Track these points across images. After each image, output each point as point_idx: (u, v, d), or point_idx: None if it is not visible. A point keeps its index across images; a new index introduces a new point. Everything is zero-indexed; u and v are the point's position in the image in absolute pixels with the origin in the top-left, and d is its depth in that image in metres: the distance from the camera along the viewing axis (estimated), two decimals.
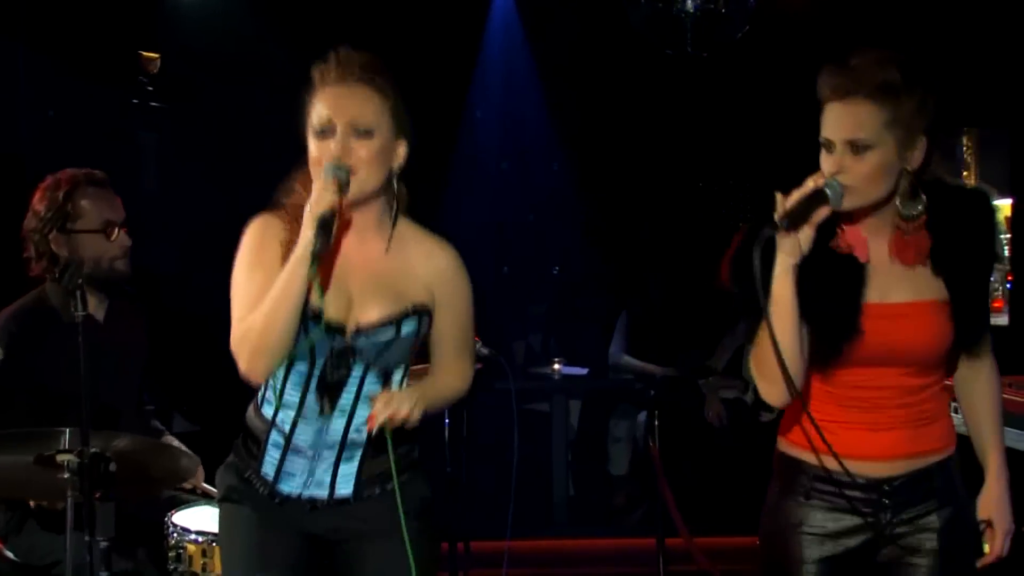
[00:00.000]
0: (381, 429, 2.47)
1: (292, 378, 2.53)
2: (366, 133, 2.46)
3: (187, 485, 3.58)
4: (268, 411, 2.58)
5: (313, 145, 2.48)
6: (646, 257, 6.83)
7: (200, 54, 5.98)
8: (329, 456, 2.55)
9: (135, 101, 5.90)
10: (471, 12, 6.88)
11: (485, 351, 3.95)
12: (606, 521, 6.63)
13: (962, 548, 2.55)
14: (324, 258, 2.38)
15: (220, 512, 2.68)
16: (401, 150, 2.53)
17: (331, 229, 2.35)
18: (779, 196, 2.33)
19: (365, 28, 6.17)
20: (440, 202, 6.47)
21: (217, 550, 3.21)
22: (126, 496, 3.17)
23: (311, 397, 2.53)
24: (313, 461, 2.55)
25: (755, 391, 2.57)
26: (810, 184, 2.35)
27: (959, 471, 2.58)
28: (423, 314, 2.55)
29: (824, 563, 2.53)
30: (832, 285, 2.45)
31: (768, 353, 2.39)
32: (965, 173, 7.30)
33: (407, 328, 2.52)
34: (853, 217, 2.46)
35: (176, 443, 3.66)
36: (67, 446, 2.90)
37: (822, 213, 2.34)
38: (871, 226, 2.47)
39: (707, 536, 5.29)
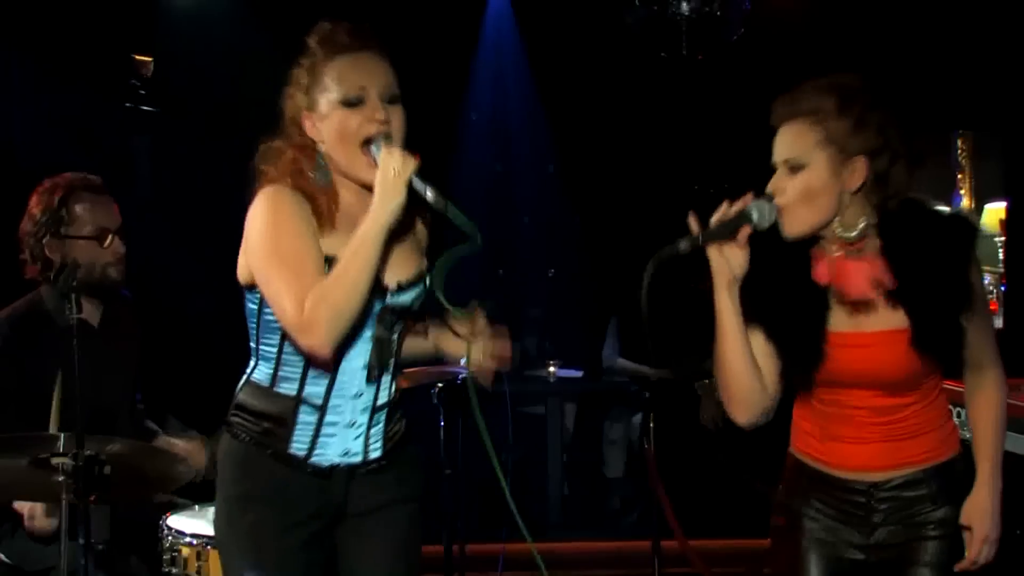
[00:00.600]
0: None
1: None
2: (396, 99, 2.49)
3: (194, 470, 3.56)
4: (289, 387, 2.52)
5: (341, 115, 2.45)
6: (638, 261, 6.81)
7: (194, 56, 5.98)
8: (363, 421, 2.56)
9: (128, 104, 5.87)
10: (466, 15, 6.88)
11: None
12: (601, 523, 6.62)
13: (960, 551, 2.56)
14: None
15: (227, 508, 2.57)
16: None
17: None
18: (692, 217, 2.40)
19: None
20: None
21: (212, 553, 3.21)
22: (121, 499, 3.16)
23: (348, 365, 2.51)
24: (348, 429, 2.55)
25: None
26: (730, 205, 2.42)
27: (961, 476, 2.59)
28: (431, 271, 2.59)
29: (824, 563, 2.58)
30: (799, 314, 2.50)
31: (722, 373, 2.49)
32: (960, 176, 7.31)
33: (429, 283, 2.58)
34: (819, 244, 2.51)
35: (174, 442, 3.65)
36: (62, 449, 2.90)
37: (746, 232, 2.41)
38: (833, 254, 2.50)
39: (702, 539, 5.29)
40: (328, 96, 2.46)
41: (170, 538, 3.29)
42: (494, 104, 7.34)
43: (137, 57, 5.03)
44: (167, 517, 3.38)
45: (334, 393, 2.52)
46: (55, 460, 2.88)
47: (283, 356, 2.52)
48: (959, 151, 7.28)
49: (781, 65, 6.05)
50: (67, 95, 5.56)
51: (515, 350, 6.99)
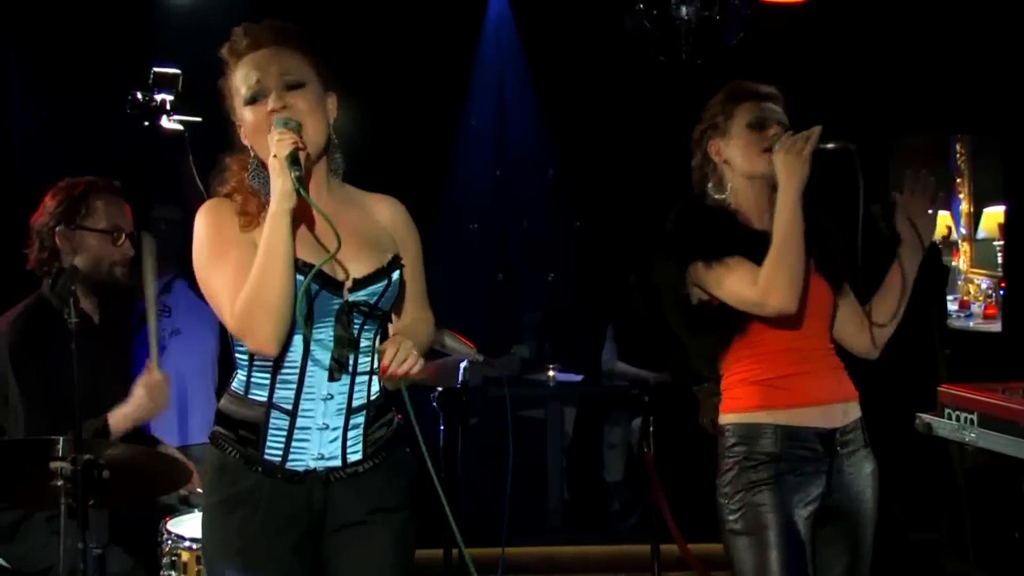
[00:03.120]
0: (387, 385, 2.53)
1: (287, 353, 2.48)
2: (298, 85, 2.50)
3: (184, 492, 3.57)
4: (260, 394, 2.51)
5: (248, 113, 2.50)
6: (635, 264, 6.81)
7: (196, 58, 5.96)
8: (337, 423, 2.53)
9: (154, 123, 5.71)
10: (466, 19, 6.89)
11: (480, 358, 3.95)
12: (601, 527, 6.62)
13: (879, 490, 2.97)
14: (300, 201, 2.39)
15: (209, 514, 2.57)
16: (332, 103, 2.58)
17: (300, 163, 2.38)
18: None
19: (361, 36, 6.17)
20: (435, 209, 6.47)
21: None
22: (119, 503, 3.17)
23: (314, 367, 2.50)
24: (322, 432, 2.52)
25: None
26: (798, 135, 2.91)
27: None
28: (400, 263, 2.58)
29: (796, 516, 2.84)
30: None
31: (784, 264, 2.82)
32: (959, 180, 7.31)
33: (395, 277, 2.56)
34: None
35: (171, 451, 3.66)
36: (60, 453, 2.90)
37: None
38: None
39: (702, 542, 5.29)
40: (239, 100, 2.52)
41: (169, 542, 3.29)
42: (494, 109, 7.34)
43: (161, 71, 4.54)
44: (166, 521, 3.38)
45: (303, 396, 2.51)
46: (53, 464, 2.89)
47: (254, 362, 2.52)
48: (958, 155, 7.28)
49: (780, 70, 6.04)
50: (66, 102, 5.55)
51: (511, 360, 6.91)
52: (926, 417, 3.73)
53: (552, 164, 7.40)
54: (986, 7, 5.98)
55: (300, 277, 2.42)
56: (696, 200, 3.12)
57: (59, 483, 2.88)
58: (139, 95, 4.11)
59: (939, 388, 3.28)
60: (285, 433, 2.51)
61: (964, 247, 7.25)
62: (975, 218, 7.26)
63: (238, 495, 2.51)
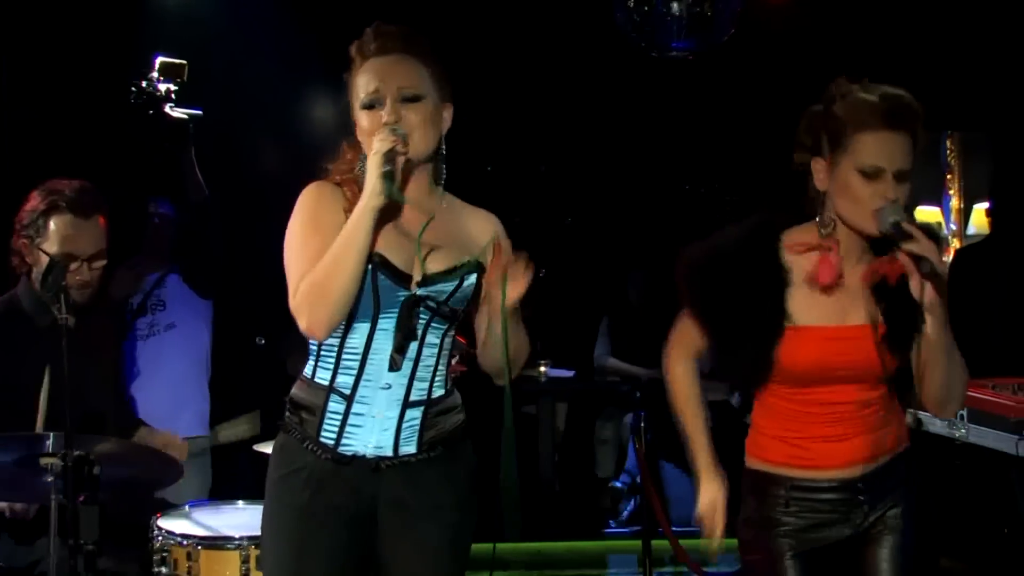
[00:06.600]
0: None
1: (351, 340, 2.54)
2: (415, 99, 2.54)
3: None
4: (323, 377, 2.58)
5: (363, 117, 2.54)
6: (629, 260, 6.83)
7: (193, 56, 5.94)
8: (392, 414, 2.58)
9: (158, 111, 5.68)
10: (457, 12, 6.87)
11: (475, 352, 3.95)
12: (592, 523, 6.63)
13: (919, 531, 2.68)
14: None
15: (267, 490, 2.63)
16: (448, 114, 2.62)
17: (395, 165, 2.43)
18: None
19: (357, 30, 6.15)
20: None
21: (203, 553, 3.21)
22: (110, 499, 3.16)
23: (375, 355, 2.55)
24: (376, 420, 2.57)
25: (740, 394, 2.66)
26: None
27: (913, 463, 2.72)
28: (481, 271, 2.61)
29: (804, 558, 2.65)
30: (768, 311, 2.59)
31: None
32: (949, 176, 7.33)
33: (468, 281, 2.60)
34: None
35: (155, 433, 3.66)
36: (51, 449, 2.90)
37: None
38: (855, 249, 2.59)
39: (692, 538, 5.29)
40: (356, 101, 2.57)
41: (160, 538, 3.29)
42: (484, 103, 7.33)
43: (167, 60, 4.34)
44: (157, 518, 3.38)
45: (362, 384, 2.56)
46: (44, 460, 2.88)
47: (321, 348, 2.58)
48: (948, 151, 7.31)
49: (772, 66, 6.05)
50: (58, 97, 5.53)
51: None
52: (917, 413, 3.74)
53: (543, 159, 7.40)
54: (976, 5, 5.99)
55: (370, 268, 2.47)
56: (771, 221, 2.66)
57: (49, 479, 2.87)
58: (143, 83, 4.12)
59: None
60: (341, 417, 2.56)
61: (955, 243, 7.27)
62: (965, 214, 7.28)
63: (293, 473, 2.57)
